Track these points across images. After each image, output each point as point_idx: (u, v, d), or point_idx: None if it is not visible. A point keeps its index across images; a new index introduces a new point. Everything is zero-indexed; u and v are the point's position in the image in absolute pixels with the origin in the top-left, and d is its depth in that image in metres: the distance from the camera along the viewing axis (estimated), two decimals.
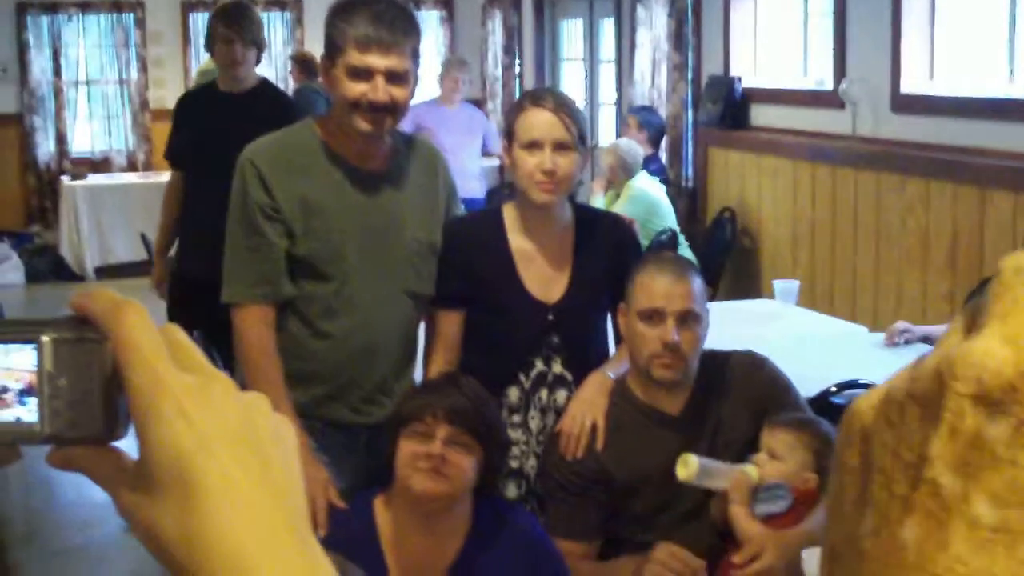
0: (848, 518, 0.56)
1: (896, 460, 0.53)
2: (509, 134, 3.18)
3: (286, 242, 3.00)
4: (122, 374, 0.67)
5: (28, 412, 0.69)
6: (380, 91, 2.96)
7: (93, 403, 0.69)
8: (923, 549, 0.51)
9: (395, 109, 3.01)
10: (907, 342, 4.65)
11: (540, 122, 3.11)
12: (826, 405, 3.73)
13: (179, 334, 0.69)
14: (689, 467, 2.81)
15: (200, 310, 5.69)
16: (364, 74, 2.96)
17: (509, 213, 3.25)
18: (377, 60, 2.96)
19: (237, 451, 0.65)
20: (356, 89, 2.96)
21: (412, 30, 3.03)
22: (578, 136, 3.13)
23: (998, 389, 0.50)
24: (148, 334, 0.67)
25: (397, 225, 3.11)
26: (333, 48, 3.00)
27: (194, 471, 0.64)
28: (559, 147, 3.10)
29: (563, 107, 3.12)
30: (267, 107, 5.42)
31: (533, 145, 3.10)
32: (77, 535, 5.53)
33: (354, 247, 3.05)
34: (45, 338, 0.69)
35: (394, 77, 2.98)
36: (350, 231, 3.05)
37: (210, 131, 5.31)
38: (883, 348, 4.65)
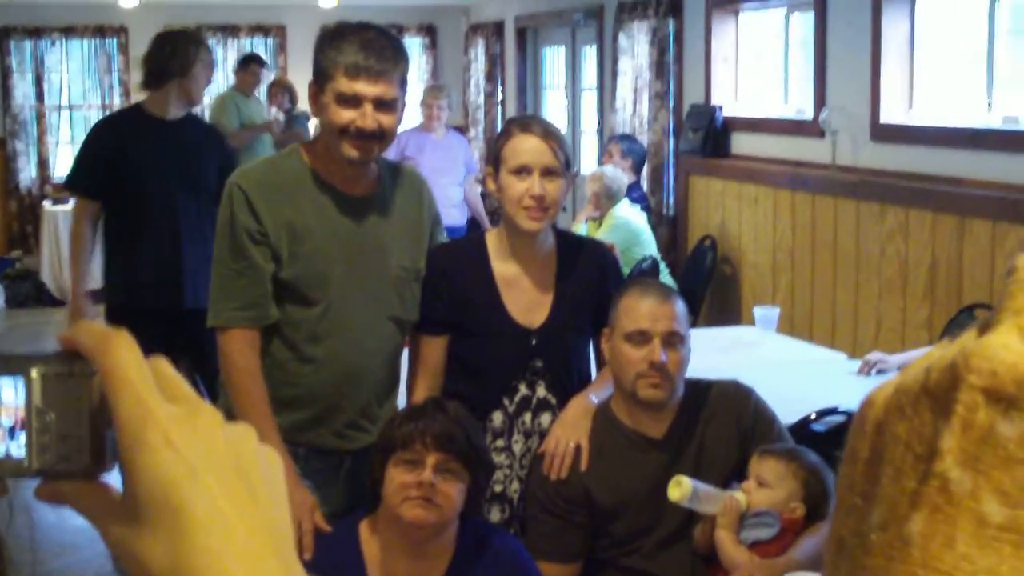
0: (856, 510, 0.54)
1: (907, 453, 0.52)
2: (496, 160, 3.20)
3: (272, 266, 3.02)
4: (110, 406, 0.67)
5: (16, 447, 0.69)
6: (368, 118, 2.98)
7: (81, 437, 0.69)
8: (929, 546, 0.50)
9: (383, 136, 3.04)
10: (880, 372, 4.68)
11: (528, 148, 3.14)
12: (807, 432, 3.75)
13: (166, 365, 0.69)
14: (683, 488, 2.83)
15: (157, 341, 5.56)
16: (353, 101, 2.99)
17: (492, 239, 3.27)
18: (366, 88, 2.98)
19: (224, 480, 0.65)
20: (344, 116, 2.99)
21: (400, 58, 3.06)
22: (564, 162, 3.16)
23: (1013, 383, 0.49)
24: (136, 366, 0.67)
25: (382, 251, 3.13)
26: (322, 75, 3.03)
27: (182, 500, 0.64)
28: (547, 173, 3.12)
29: (551, 134, 3.16)
30: (202, 135, 5.37)
31: (522, 170, 3.13)
32: (56, 559, 5.52)
33: (339, 272, 3.06)
34: (34, 373, 0.69)
35: (382, 105, 3.00)
36: (336, 256, 3.06)
37: (151, 158, 5.17)
38: (871, 374, 4.68)
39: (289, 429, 3.03)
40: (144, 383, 0.67)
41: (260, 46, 12.88)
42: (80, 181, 5.24)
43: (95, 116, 12.43)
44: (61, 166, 12.44)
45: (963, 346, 0.51)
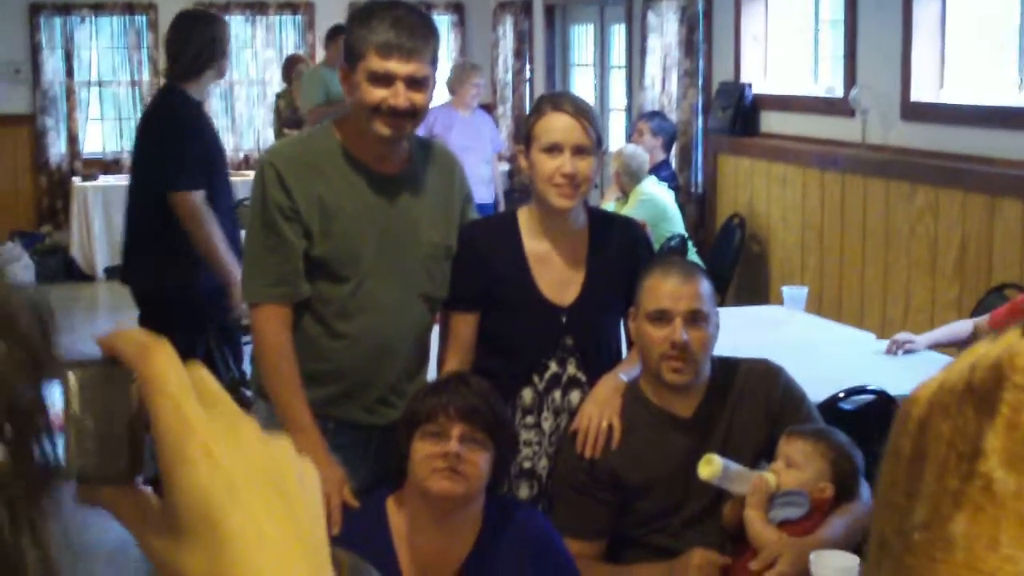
0: (899, 508, 0.54)
1: (950, 452, 0.51)
2: (527, 138, 3.20)
3: (304, 243, 3.02)
4: (149, 414, 0.67)
5: (56, 450, 0.69)
6: (401, 96, 2.98)
7: (119, 442, 0.69)
8: (973, 547, 0.49)
9: (415, 114, 3.04)
10: (907, 352, 4.67)
11: (560, 126, 3.13)
12: (835, 411, 3.74)
13: (205, 374, 0.70)
14: (713, 466, 2.84)
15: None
16: (385, 79, 2.98)
17: (524, 216, 3.27)
18: (398, 66, 2.98)
19: (263, 493, 0.66)
20: (377, 94, 2.98)
21: (432, 36, 3.06)
22: (596, 140, 3.16)
23: None
24: (176, 375, 0.67)
25: (413, 228, 3.13)
26: (353, 54, 3.02)
27: (221, 515, 0.64)
28: (578, 151, 3.12)
29: (582, 112, 3.15)
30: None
31: (553, 148, 3.13)
32: (84, 531, 5.54)
33: (370, 249, 3.07)
34: (72, 377, 0.70)
35: (414, 83, 3.00)
36: (367, 233, 3.07)
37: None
38: (898, 354, 4.67)
39: (319, 403, 3.04)
40: (184, 393, 0.67)
41: (288, 24, 12.89)
42: (202, 179, 5.03)
43: (124, 93, 12.49)
44: (91, 142, 12.50)
45: (1008, 344, 0.51)
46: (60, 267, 11.37)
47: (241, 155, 12.82)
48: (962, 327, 4.80)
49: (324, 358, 3.08)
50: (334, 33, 9.40)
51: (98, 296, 10.96)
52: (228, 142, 12.71)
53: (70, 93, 12.29)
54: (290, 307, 3.04)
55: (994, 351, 0.51)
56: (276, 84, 12.88)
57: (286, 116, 10.69)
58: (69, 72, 12.27)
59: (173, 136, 5.06)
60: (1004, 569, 0.48)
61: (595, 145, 3.16)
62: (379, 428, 3.09)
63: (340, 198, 3.05)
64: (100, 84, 12.50)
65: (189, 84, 5.17)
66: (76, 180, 11.52)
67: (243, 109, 12.87)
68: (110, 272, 11.26)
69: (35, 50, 12.10)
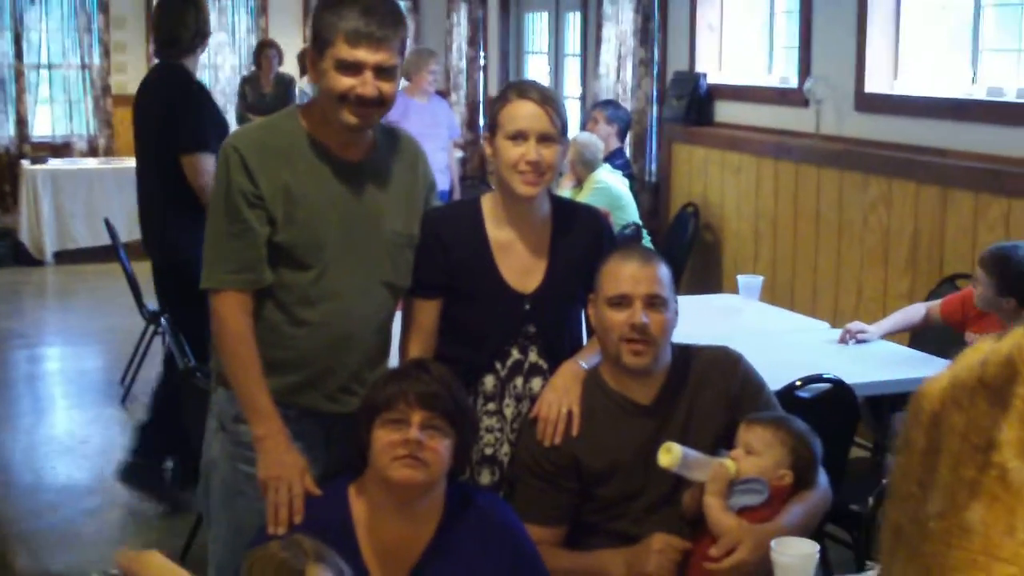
0: (913, 498, 0.55)
1: (964, 443, 0.53)
2: (492, 125, 3.19)
3: (267, 230, 2.99)
4: None
5: None
6: (369, 86, 2.95)
7: None
8: (989, 534, 0.51)
9: (383, 103, 3.01)
10: (860, 342, 4.71)
11: (526, 114, 3.13)
12: (791, 399, 3.77)
13: None
14: (673, 454, 2.85)
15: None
16: (353, 68, 2.95)
17: (487, 203, 3.27)
18: (367, 55, 2.95)
19: None
20: (344, 83, 2.95)
21: (400, 24, 3.02)
22: (561, 128, 3.16)
23: None
24: None
25: (376, 217, 3.11)
26: (321, 41, 2.98)
27: None
28: (543, 139, 3.12)
29: (548, 99, 3.15)
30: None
31: (518, 136, 3.12)
32: (36, 520, 5.51)
33: (334, 237, 3.05)
34: None
35: (383, 71, 2.97)
36: (331, 221, 3.04)
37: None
38: (848, 343, 4.71)
39: (281, 391, 3.02)
40: None
41: (241, 7, 12.81)
42: (215, 144, 4.96)
43: (74, 76, 12.36)
44: (40, 125, 12.37)
45: (1018, 340, 0.52)
46: (8, 251, 11.27)
47: None
48: (915, 311, 4.85)
49: (285, 346, 3.06)
50: None
51: (47, 281, 10.87)
52: None
53: (19, 75, 12.16)
54: (251, 294, 3.02)
55: (1004, 347, 0.52)
56: (228, 68, 12.82)
57: (252, 101, 10.68)
58: (18, 54, 12.14)
59: (185, 104, 5.36)
60: (1020, 554, 0.50)
61: (560, 133, 3.16)
62: (342, 416, 3.07)
63: (304, 185, 3.03)
64: (50, 67, 12.38)
65: (188, 60, 5.52)
66: (25, 163, 11.40)
67: None
68: (59, 256, 11.17)
69: None
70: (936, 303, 4.83)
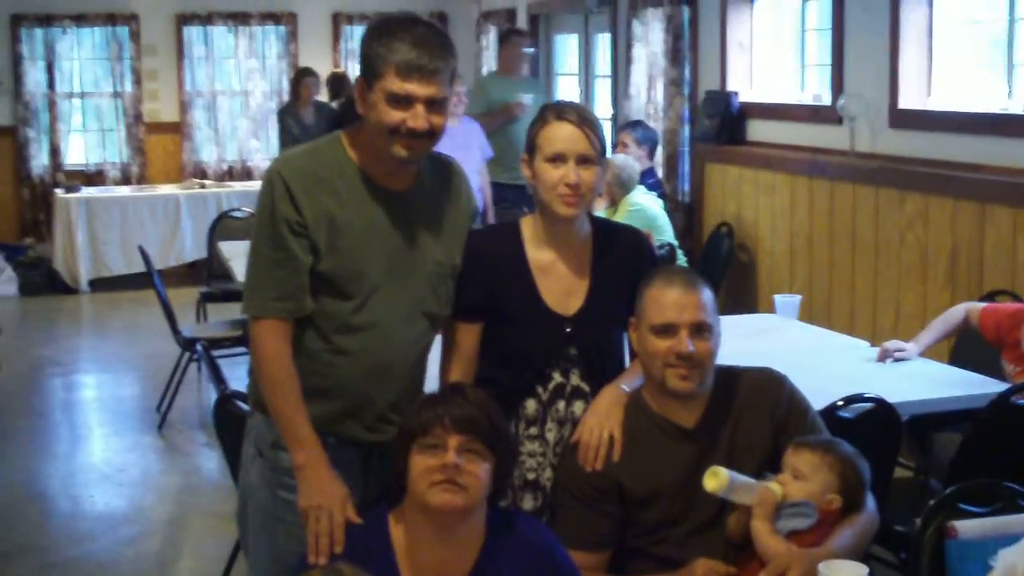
0: None
1: None
2: (531, 147, 3.17)
3: (311, 258, 2.96)
4: None
5: None
6: (420, 119, 2.90)
7: None
8: None
9: (433, 135, 2.96)
10: (898, 360, 4.66)
11: (564, 135, 3.10)
12: (833, 419, 3.73)
13: None
14: (719, 479, 2.82)
15: None
16: (404, 101, 2.90)
17: (527, 226, 3.24)
18: (418, 88, 2.89)
19: None
20: (395, 116, 2.90)
21: (450, 55, 2.96)
22: (600, 150, 3.14)
23: None
24: None
25: (419, 246, 3.07)
26: (370, 72, 2.93)
27: None
28: (583, 161, 3.09)
29: (587, 121, 3.12)
30: None
31: (557, 158, 3.10)
32: (73, 548, 5.51)
33: (377, 267, 3.01)
34: None
35: (433, 104, 2.92)
36: (374, 250, 3.01)
37: None
38: (886, 362, 4.66)
39: (320, 420, 2.99)
40: None
41: (271, 34, 12.89)
42: None
43: (106, 104, 12.45)
44: (73, 154, 12.45)
45: None
46: (43, 280, 11.33)
47: (224, 166, 12.78)
48: (955, 313, 4.78)
49: (325, 374, 3.03)
50: (506, 37, 8.94)
51: (82, 309, 10.92)
52: (211, 153, 12.70)
53: (52, 104, 12.26)
54: (291, 322, 3.00)
55: None
56: (259, 94, 12.88)
57: (298, 134, 10.43)
58: (51, 83, 12.25)
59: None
60: None
61: (599, 154, 3.13)
62: (380, 444, 3.05)
63: (348, 214, 2.99)
64: (82, 95, 12.47)
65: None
66: (59, 192, 11.47)
67: (225, 120, 12.84)
68: (94, 284, 11.22)
69: (16, 61, 12.07)
70: (978, 307, 4.74)
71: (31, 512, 5.96)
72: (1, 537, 5.60)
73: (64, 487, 6.34)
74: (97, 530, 5.72)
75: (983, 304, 4.80)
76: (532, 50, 9.24)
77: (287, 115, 10.91)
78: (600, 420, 3.06)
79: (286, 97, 12.86)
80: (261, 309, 2.98)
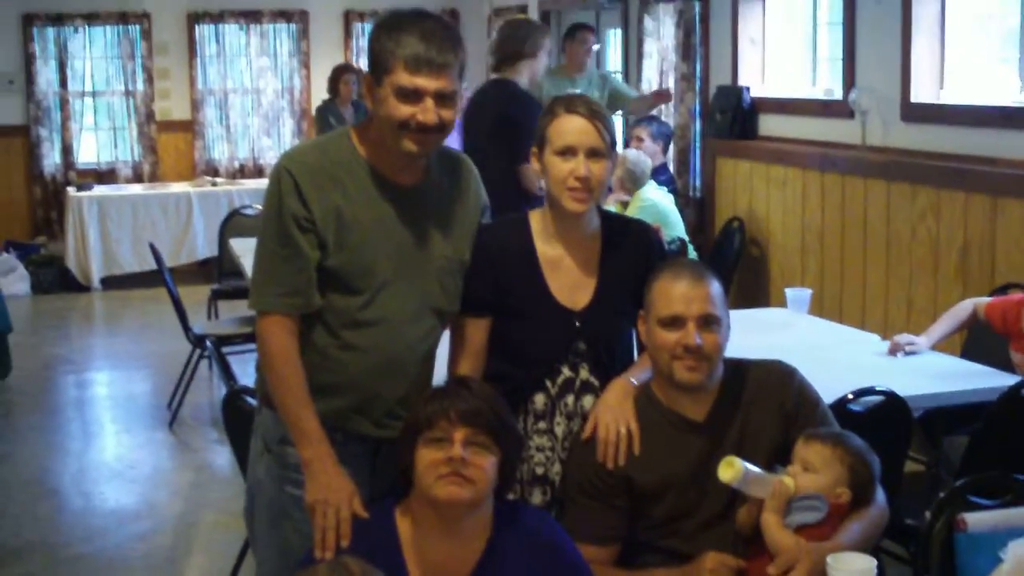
0: None
1: None
2: (540, 140, 3.15)
3: (318, 254, 2.95)
4: None
5: None
6: (430, 113, 2.89)
7: None
8: None
9: (443, 130, 2.94)
10: (909, 354, 4.65)
11: (574, 128, 3.09)
12: (843, 412, 3.71)
13: None
14: (735, 469, 2.80)
15: None
16: (413, 96, 2.88)
17: (536, 220, 3.23)
18: (427, 82, 2.88)
19: None
20: (405, 111, 2.89)
21: (460, 49, 2.94)
22: (610, 143, 3.12)
23: None
24: None
25: (428, 242, 3.06)
26: (379, 67, 2.92)
27: None
28: (592, 154, 3.08)
29: (596, 114, 3.10)
30: None
31: (567, 151, 3.08)
32: (85, 544, 5.51)
33: (385, 262, 3.00)
34: None
35: (443, 98, 2.91)
36: (382, 246, 2.99)
37: None
38: (897, 356, 4.65)
39: (328, 416, 2.98)
40: None
41: (283, 32, 12.88)
42: None
43: (118, 102, 12.46)
44: (85, 152, 12.46)
45: None
46: (55, 278, 11.35)
47: (236, 164, 12.79)
48: (963, 308, 4.77)
49: (333, 370, 3.02)
50: (572, 33, 8.67)
51: (94, 306, 10.94)
52: (223, 151, 12.71)
53: (64, 103, 12.26)
54: (297, 317, 2.99)
55: None
56: (271, 92, 12.88)
57: None
58: (63, 82, 12.26)
59: (512, 117, 6.07)
60: None
61: (609, 148, 3.11)
62: (389, 440, 3.03)
63: (356, 209, 2.97)
64: (94, 94, 12.48)
65: (517, 76, 6.28)
66: (71, 190, 11.48)
67: (237, 118, 12.84)
68: (106, 282, 11.24)
69: (29, 60, 12.08)
70: (984, 301, 4.74)
71: (43, 508, 5.96)
72: (13, 533, 5.61)
73: (76, 483, 6.34)
74: (108, 526, 5.72)
75: (987, 299, 4.79)
76: (598, 46, 9.10)
77: (328, 112, 10.75)
78: (615, 415, 3.04)
79: (298, 95, 12.88)
80: (268, 304, 2.97)
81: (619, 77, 9.79)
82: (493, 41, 6.42)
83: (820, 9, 7.77)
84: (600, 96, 8.17)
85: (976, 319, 4.71)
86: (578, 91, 8.65)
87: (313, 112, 11.18)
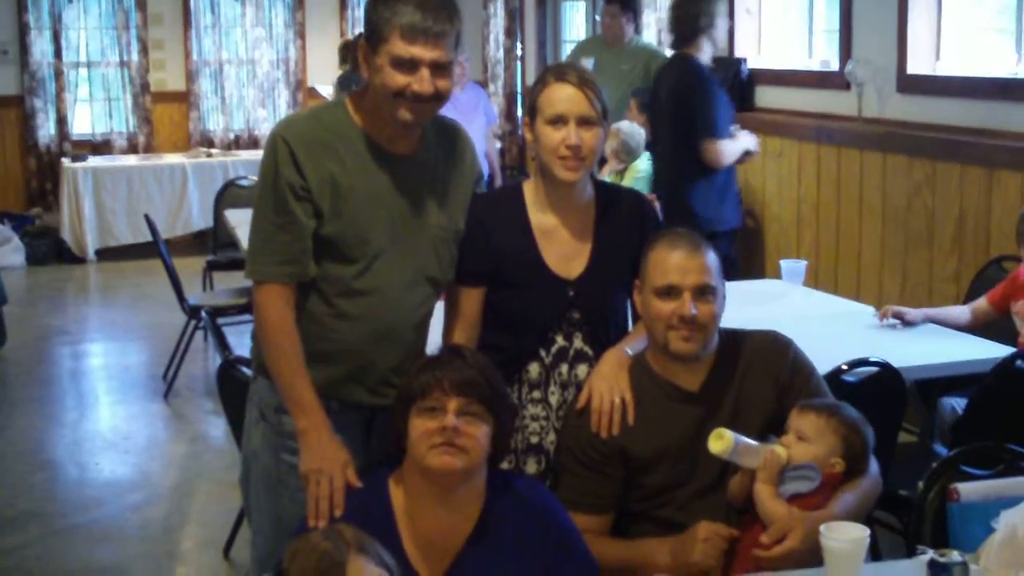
0: None
1: None
2: (532, 109, 3.14)
3: (314, 222, 2.95)
4: None
5: None
6: (426, 83, 2.89)
7: None
8: None
9: (439, 99, 2.95)
10: (906, 325, 4.65)
11: (565, 96, 3.08)
12: (838, 383, 3.72)
13: None
14: (724, 441, 2.80)
15: None
16: (409, 65, 2.88)
17: (529, 189, 3.22)
18: (423, 51, 2.88)
19: None
20: (400, 80, 2.89)
21: (456, 17, 2.94)
22: (601, 111, 3.11)
23: None
24: None
25: (423, 211, 3.06)
26: (375, 36, 2.92)
27: None
28: (584, 122, 3.07)
29: (587, 82, 3.09)
30: None
31: (558, 120, 3.08)
32: (81, 514, 5.52)
33: (380, 231, 3.00)
34: None
35: (439, 68, 2.90)
36: (377, 215, 3.00)
37: None
38: (892, 327, 4.65)
39: (323, 384, 2.99)
40: None
41: (278, 2, 12.82)
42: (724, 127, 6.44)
43: (113, 73, 12.41)
44: (80, 123, 12.42)
45: None
46: (50, 249, 11.33)
47: (231, 135, 12.75)
48: (960, 312, 4.78)
49: (327, 338, 3.03)
50: (626, 5, 8.33)
51: (89, 278, 10.92)
52: (218, 122, 12.67)
53: (58, 74, 12.21)
54: (294, 286, 2.99)
55: None
56: (266, 63, 12.83)
57: None
58: (57, 53, 12.20)
59: (695, 93, 6.24)
60: None
61: (600, 116, 3.10)
62: (382, 408, 3.04)
63: (351, 178, 2.97)
64: (89, 65, 12.42)
65: (698, 51, 6.33)
66: (65, 161, 11.45)
67: (232, 89, 12.80)
68: (101, 254, 11.22)
69: (23, 31, 12.03)
70: (980, 301, 4.76)
71: (38, 479, 5.97)
72: (8, 504, 5.62)
73: (71, 454, 6.35)
74: (103, 497, 5.73)
75: (981, 298, 4.80)
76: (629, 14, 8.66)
77: (351, 81, 10.60)
78: (610, 385, 3.04)
79: (293, 66, 12.83)
80: (264, 273, 2.98)
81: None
82: (669, 20, 6.55)
83: None
84: (631, 70, 8.10)
85: (976, 319, 4.71)
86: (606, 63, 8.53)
87: (333, 83, 10.95)
